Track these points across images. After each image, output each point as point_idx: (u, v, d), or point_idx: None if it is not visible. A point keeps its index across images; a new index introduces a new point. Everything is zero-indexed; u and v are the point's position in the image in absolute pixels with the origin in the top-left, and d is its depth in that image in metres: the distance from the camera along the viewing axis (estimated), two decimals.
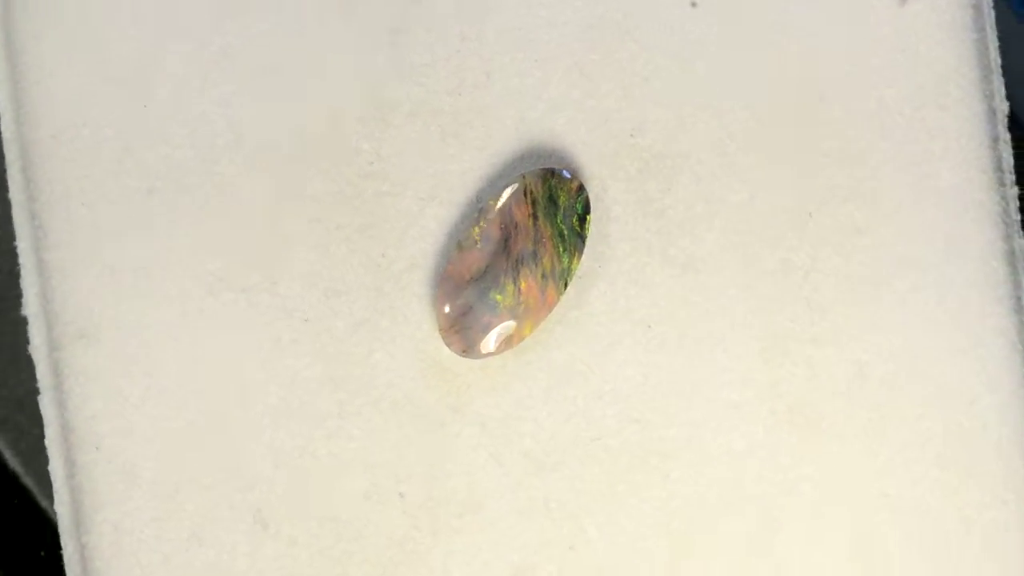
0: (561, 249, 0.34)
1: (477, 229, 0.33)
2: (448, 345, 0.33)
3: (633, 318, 0.34)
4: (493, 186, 0.34)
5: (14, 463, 0.36)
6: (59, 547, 0.34)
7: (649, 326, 0.34)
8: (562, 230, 0.34)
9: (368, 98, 0.34)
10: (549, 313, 0.34)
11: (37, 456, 0.35)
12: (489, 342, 0.33)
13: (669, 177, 0.34)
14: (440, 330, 0.33)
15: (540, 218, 0.33)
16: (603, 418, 0.34)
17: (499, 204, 0.33)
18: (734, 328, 0.34)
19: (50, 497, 0.35)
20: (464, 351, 0.33)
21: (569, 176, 0.34)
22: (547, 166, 0.34)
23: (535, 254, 0.33)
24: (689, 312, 0.34)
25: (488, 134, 0.34)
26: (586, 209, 0.34)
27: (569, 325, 0.34)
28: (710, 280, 0.34)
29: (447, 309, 0.33)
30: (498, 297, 0.33)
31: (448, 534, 0.34)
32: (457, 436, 0.34)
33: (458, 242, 0.33)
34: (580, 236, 0.34)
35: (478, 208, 0.34)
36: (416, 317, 0.34)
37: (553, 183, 0.34)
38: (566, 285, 0.34)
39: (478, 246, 0.33)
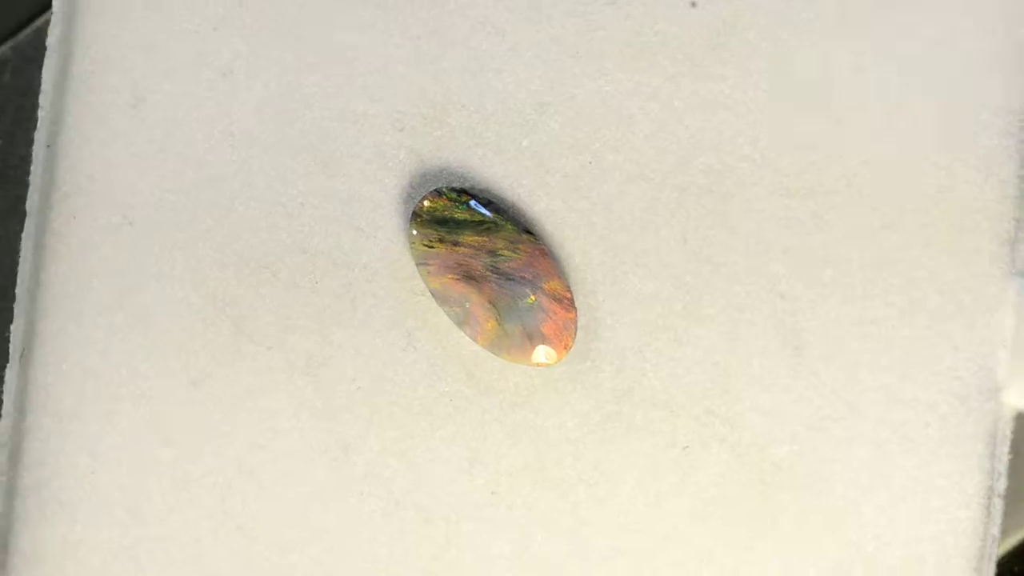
0: (497, 226, 0.33)
1: (450, 306, 0.33)
2: (554, 366, 0.33)
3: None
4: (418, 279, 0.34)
5: None
6: None
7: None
8: (476, 219, 0.33)
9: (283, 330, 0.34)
10: (553, 259, 0.33)
11: None
12: (548, 337, 0.33)
13: (492, 117, 0.34)
14: (537, 366, 0.33)
15: (459, 239, 0.33)
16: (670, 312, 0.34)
17: (429, 274, 0.33)
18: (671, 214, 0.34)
19: None
20: (564, 351, 0.33)
21: (422, 199, 0.33)
22: (407, 215, 0.34)
23: (493, 252, 0.33)
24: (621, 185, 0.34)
25: (363, 249, 0.34)
26: (460, 190, 0.33)
27: (575, 271, 0.34)
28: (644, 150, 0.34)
29: (519, 354, 0.33)
30: (520, 300, 0.33)
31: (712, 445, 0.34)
32: (629, 392, 0.34)
33: (457, 324, 0.33)
34: (486, 203, 0.33)
35: (428, 295, 0.33)
36: (513, 386, 0.34)
37: (426, 216, 0.33)
38: (532, 234, 0.33)
39: (467, 306, 0.33)
